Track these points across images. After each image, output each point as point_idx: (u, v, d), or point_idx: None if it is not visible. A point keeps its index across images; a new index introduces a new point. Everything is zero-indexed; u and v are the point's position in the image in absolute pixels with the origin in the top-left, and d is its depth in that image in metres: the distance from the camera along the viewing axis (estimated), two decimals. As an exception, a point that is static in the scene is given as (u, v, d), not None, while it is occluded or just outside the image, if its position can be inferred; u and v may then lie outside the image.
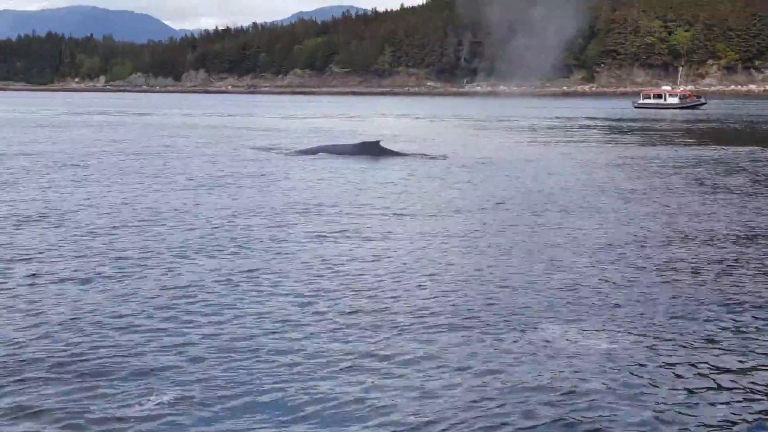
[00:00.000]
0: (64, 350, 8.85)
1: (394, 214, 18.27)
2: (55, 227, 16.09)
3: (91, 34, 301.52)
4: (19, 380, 8.01)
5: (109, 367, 8.39)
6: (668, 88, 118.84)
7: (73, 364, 8.46)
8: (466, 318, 10.19)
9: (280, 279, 12.05)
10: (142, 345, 9.05)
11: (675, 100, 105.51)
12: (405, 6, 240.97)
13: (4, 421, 7.19)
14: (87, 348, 8.93)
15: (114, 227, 16.12)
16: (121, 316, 10.07)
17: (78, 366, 8.41)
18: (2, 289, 11.27)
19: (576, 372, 8.38)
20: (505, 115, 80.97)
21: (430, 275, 12.39)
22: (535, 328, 9.84)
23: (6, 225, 16.29)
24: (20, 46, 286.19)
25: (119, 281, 11.80)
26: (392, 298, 11.10)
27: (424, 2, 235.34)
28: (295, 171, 26.73)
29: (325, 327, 9.75)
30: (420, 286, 11.75)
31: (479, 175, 26.26)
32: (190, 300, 10.85)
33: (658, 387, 8.10)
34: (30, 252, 13.72)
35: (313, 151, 31.88)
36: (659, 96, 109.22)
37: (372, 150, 30.37)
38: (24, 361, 8.52)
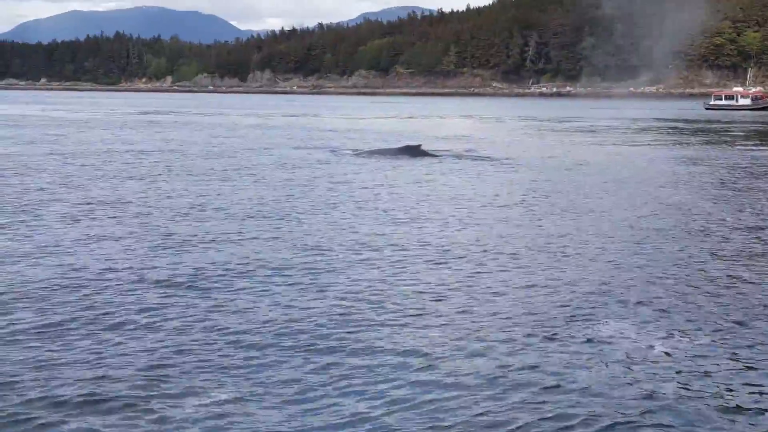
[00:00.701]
0: (135, 349, 8.89)
1: (419, 215, 18.19)
2: (128, 228, 16.29)
3: (159, 35, 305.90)
4: (88, 376, 8.07)
5: (173, 364, 8.46)
6: (740, 89, 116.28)
7: (139, 361, 8.52)
8: (525, 318, 10.07)
9: (346, 280, 12.01)
10: (210, 343, 9.08)
11: (747, 102, 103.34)
12: (471, 7, 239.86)
13: (69, 411, 7.34)
14: (156, 346, 8.96)
15: (182, 228, 16.28)
16: (189, 315, 10.10)
17: (145, 363, 8.45)
18: (83, 293, 11.38)
19: (637, 375, 8.26)
20: (570, 116, 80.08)
21: (478, 276, 12.23)
22: (597, 329, 9.73)
23: (83, 228, 16.55)
24: (88, 46, 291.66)
25: (189, 282, 11.85)
26: (447, 299, 10.95)
27: (490, 3, 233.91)
28: (342, 172, 26.88)
29: (387, 327, 9.67)
30: (473, 287, 11.59)
31: (519, 176, 26.50)
32: (254, 298, 10.85)
33: (720, 390, 7.95)
34: (107, 253, 13.89)
35: (364, 154, 33.10)
36: (731, 97, 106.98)
37: (414, 152, 31.78)
38: (97, 357, 8.58)
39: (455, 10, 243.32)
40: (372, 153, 33.39)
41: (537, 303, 10.87)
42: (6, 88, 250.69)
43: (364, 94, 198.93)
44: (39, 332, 9.49)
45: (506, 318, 10.18)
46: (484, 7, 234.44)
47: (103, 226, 16.38)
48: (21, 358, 8.65)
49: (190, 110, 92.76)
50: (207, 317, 10.13)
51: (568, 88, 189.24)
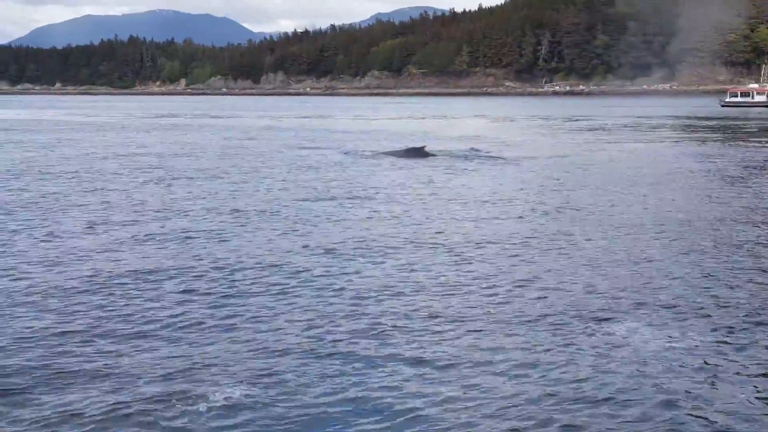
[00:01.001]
0: (146, 348, 8.95)
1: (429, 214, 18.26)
2: (145, 232, 16.34)
3: (172, 38, 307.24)
4: (106, 384, 8.12)
5: (194, 370, 8.50)
6: (755, 86, 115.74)
7: (151, 362, 8.59)
8: (540, 321, 10.05)
9: (359, 281, 12.04)
10: (230, 349, 9.11)
11: (763, 98, 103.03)
12: (483, 6, 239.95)
13: (88, 412, 7.41)
14: (175, 353, 9.00)
15: (200, 232, 16.33)
16: (208, 320, 10.14)
17: (158, 364, 8.51)
18: (101, 298, 11.46)
19: (657, 380, 8.18)
20: (583, 114, 79.86)
21: (490, 275, 12.20)
22: (608, 327, 9.77)
23: (101, 233, 16.66)
24: (103, 51, 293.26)
25: (207, 287, 11.89)
26: (460, 303, 10.94)
27: (503, 2, 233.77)
28: (351, 176, 26.81)
29: (399, 331, 9.71)
30: (487, 286, 11.59)
31: (528, 176, 26.49)
32: (272, 303, 10.89)
33: (732, 390, 7.92)
34: (125, 258, 13.98)
35: (373, 156, 33.63)
36: (746, 94, 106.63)
37: (419, 154, 32.75)
38: (116, 364, 8.61)
39: (467, 10, 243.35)
40: (380, 155, 33.79)
41: (552, 305, 10.80)
42: (22, 93, 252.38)
43: (377, 94, 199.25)
44: (58, 336, 9.53)
45: (520, 323, 10.13)
46: (497, 6, 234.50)
47: (120, 230, 16.41)
48: (40, 364, 8.69)
49: (204, 113, 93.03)
50: (226, 322, 10.15)
51: (581, 87, 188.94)
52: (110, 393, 7.91)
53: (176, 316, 10.39)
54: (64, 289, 11.66)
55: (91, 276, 12.46)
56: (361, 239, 15.39)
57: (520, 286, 11.81)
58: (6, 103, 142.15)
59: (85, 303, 10.98)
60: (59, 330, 9.81)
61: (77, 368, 8.56)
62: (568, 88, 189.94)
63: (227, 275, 12.53)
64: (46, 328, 9.89)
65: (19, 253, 14.16)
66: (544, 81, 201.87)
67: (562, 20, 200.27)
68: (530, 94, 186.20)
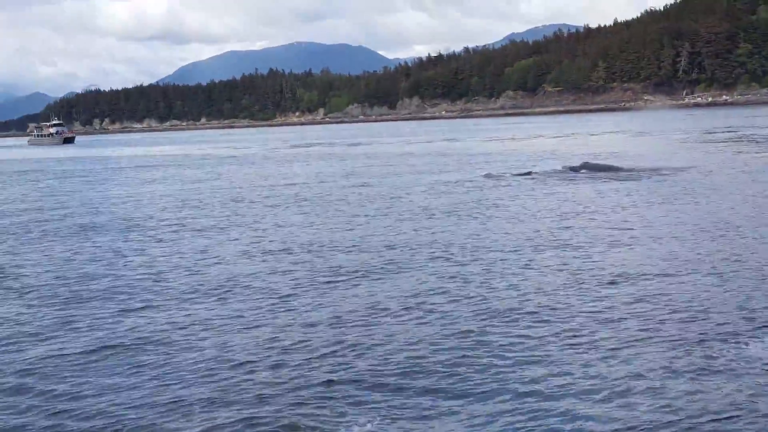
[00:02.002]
0: (311, 367, 9.77)
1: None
2: (301, 258, 17.47)
3: (310, 69, 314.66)
4: (252, 398, 8.95)
5: (348, 383, 9.24)
6: None
7: (312, 379, 9.37)
8: (681, 341, 10.24)
9: (516, 300, 12.64)
10: (343, 376, 9.61)
11: None
12: (618, 20, 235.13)
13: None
14: (331, 363, 9.84)
15: (353, 252, 17.39)
16: (328, 349, 10.85)
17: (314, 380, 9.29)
18: (260, 311, 12.51)
19: None
20: (730, 126, 76.69)
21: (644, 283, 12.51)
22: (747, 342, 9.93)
23: (252, 255, 17.84)
24: (244, 85, 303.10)
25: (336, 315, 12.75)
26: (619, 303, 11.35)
27: (638, 15, 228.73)
28: (491, 195, 27.60)
29: (515, 350, 10.24)
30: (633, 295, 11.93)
31: (668, 191, 25.96)
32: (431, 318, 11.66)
33: None
34: (283, 277, 15.08)
35: (496, 177, 35.35)
36: None
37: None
38: (270, 377, 9.49)
39: (602, 25, 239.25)
40: (511, 176, 35.04)
41: (699, 326, 11.00)
42: (170, 129, 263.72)
43: (512, 114, 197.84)
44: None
45: (662, 342, 10.37)
46: (632, 19, 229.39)
47: (273, 260, 17.58)
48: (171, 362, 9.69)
49: (342, 141, 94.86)
50: (336, 350, 10.69)
51: (724, 97, 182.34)
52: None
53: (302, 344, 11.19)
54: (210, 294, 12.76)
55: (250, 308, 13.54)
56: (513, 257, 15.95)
57: (671, 307, 11.95)
58: (157, 140, 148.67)
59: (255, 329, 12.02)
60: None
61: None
62: (710, 99, 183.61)
63: (378, 309, 13.16)
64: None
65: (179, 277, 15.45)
66: (684, 93, 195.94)
67: (701, 30, 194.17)
68: (671, 106, 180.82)
